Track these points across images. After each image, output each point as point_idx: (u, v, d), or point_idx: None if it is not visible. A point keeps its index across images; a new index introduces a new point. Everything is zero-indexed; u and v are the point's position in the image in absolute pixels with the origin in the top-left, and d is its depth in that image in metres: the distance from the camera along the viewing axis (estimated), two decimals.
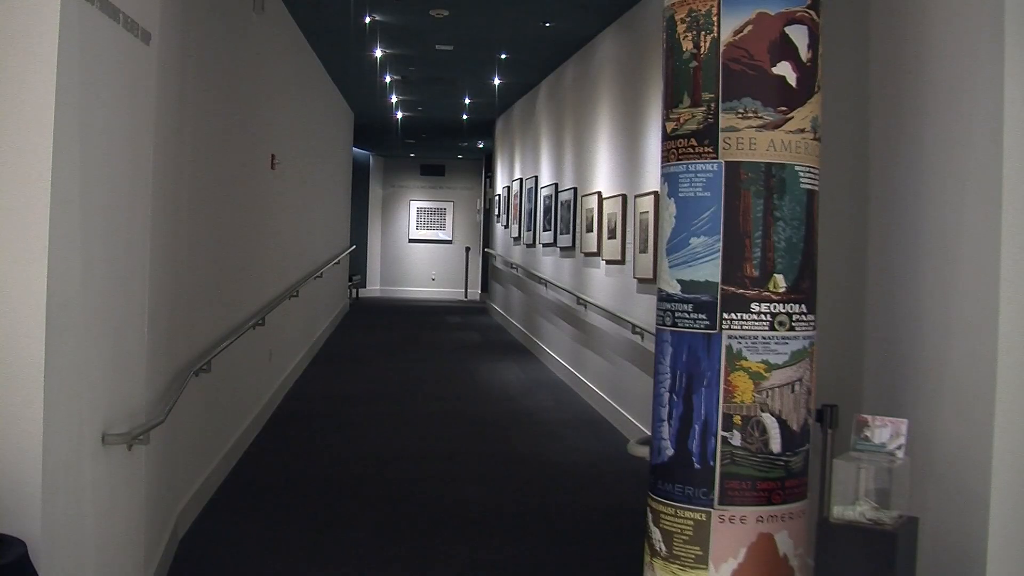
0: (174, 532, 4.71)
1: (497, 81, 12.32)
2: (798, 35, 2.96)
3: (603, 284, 8.75)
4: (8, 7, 2.68)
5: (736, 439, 2.94)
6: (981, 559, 2.88)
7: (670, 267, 3.06)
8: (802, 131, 2.98)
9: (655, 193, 6.75)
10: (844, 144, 3.79)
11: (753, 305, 2.94)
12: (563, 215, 10.60)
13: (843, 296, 3.80)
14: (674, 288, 3.05)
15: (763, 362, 2.94)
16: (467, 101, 14.26)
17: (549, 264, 11.51)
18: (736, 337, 2.94)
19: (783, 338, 2.96)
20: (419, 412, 8.44)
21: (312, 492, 5.88)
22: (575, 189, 10.04)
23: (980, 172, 2.98)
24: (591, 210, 9.08)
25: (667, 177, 3.11)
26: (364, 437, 7.46)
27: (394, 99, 14.04)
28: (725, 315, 2.95)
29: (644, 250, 7.12)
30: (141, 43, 3.48)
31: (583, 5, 8.38)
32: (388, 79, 12.27)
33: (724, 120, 2.95)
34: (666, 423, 3.06)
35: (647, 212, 7.07)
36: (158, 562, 4.26)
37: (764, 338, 2.94)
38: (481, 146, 20.32)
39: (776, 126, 2.94)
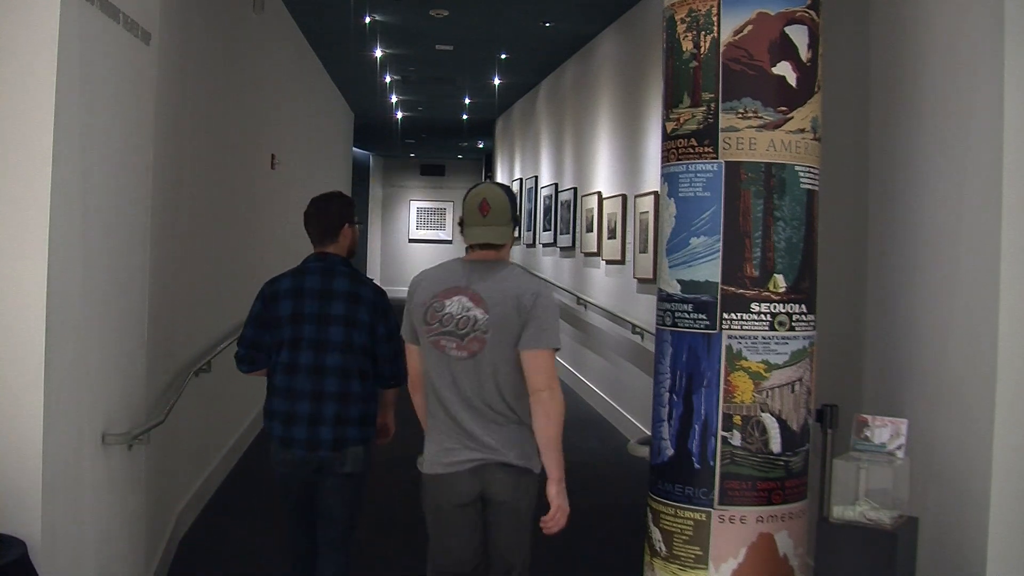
0: (174, 532, 4.71)
1: (497, 81, 12.32)
2: (798, 35, 2.96)
3: (603, 284, 8.75)
4: (8, 7, 2.68)
5: (736, 439, 2.93)
6: (981, 559, 2.88)
7: (670, 267, 3.06)
8: (802, 131, 2.98)
9: (655, 193, 6.75)
10: (844, 144, 3.79)
11: (753, 305, 2.94)
12: (563, 215, 10.60)
13: (843, 296, 3.80)
14: (674, 288, 3.05)
15: (763, 362, 2.94)
16: (467, 101, 14.25)
17: (549, 264, 11.51)
18: (736, 337, 2.94)
19: (783, 338, 2.96)
20: None
21: None
22: (575, 189, 10.04)
23: (980, 172, 2.98)
24: (591, 210, 9.08)
25: (667, 177, 3.11)
26: None
27: (394, 99, 14.04)
28: (725, 315, 2.94)
29: (644, 250, 7.12)
30: (141, 43, 3.48)
31: (583, 5, 8.38)
32: (388, 79, 12.27)
33: (724, 120, 2.95)
34: (666, 423, 3.05)
35: (647, 212, 7.07)
36: (158, 562, 4.27)
37: (764, 338, 2.94)
38: (481, 146, 20.32)
39: (776, 126, 2.94)
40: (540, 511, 3.09)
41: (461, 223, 3.15)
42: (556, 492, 3.04)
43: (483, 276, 3.05)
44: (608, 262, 8.50)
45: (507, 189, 3.14)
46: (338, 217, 3.59)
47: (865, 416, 2.95)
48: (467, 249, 3.17)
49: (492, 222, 3.05)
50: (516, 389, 3.02)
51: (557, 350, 3.03)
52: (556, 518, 3.06)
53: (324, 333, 3.46)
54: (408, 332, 3.20)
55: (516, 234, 3.06)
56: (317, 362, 3.45)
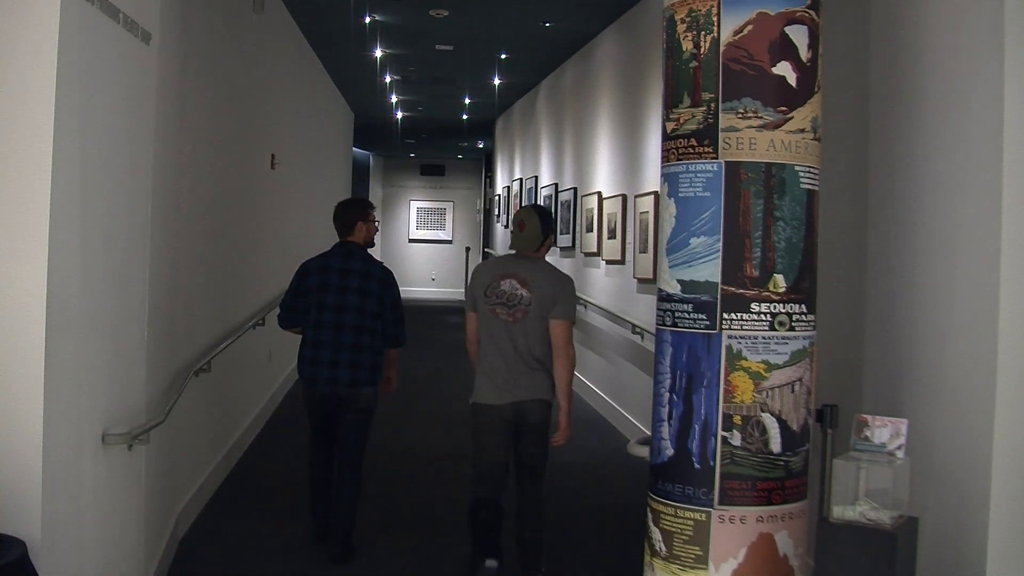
0: (174, 532, 4.71)
1: (497, 81, 12.32)
2: (798, 35, 2.96)
3: (603, 284, 8.75)
4: (8, 7, 2.68)
5: (736, 439, 2.93)
6: (981, 559, 2.88)
7: (670, 267, 3.06)
8: (802, 131, 2.98)
9: (655, 193, 6.75)
10: (844, 144, 3.79)
11: (753, 305, 2.94)
12: (563, 215, 10.60)
13: (843, 296, 3.80)
14: (674, 288, 3.05)
15: (763, 362, 2.94)
16: (467, 101, 14.25)
17: None
18: (736, 337, 2.94)
19: (783, 338, 2.96)
20: (419, 411, 8.43)
21: None
22: (575, 189, 10.04)
23: (980, 172, 2.98)
24: (591, 210, 9.08)
25: (667, 177, 3.11)
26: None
27: (394, 99, 14.04)
28: (725, 315, 2.94)
29: (644, 250, 7.12)
30: (141, 43, 3.48)
31: (583, 5, 8.38)
32: (388, 79, 12.27)
33: (724, 120, 2.94)
34: (666, 423, 3.06)
35: (647, 212, 7.07)
36: (158, 562, 4.26)
37: (764, 338, 2.94)
38: (481, 146, 20.32)
39: (776, 126, 2.94)
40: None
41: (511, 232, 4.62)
42: (564, 419, 4.39)
43: (526, 267, 4.41)
44: (608, 262, 8.50)
45: (542, 211, 4.56)
46: (352, 217, 4.87)
47: (865, 416, 2.95)
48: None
49: (525, 236, 4.46)
50: (542, 345, 4.31)
51: (573, 323, 4.38)
52: (561, 438, 4.41)
53: (343, 299, 4.66)
54: (469, 303, 4.52)
55: (552, 240, 4.58)
56: (337, 320, 4.64)
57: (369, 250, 4.94)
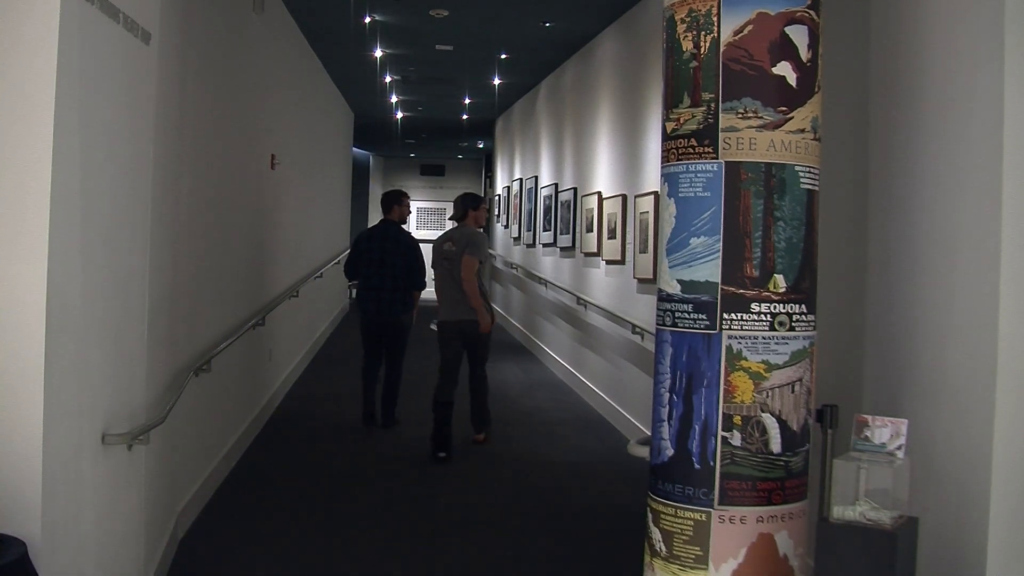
0: (174, 532, 4.71)
1: (497, 81, 12.32)
2: (798, 35, 2.96)
3: (603, 284, 8.75)
4: (8, 7, 2.68)
5: (736, 439, 2.94)
6: (981, 559, 2.88)
7: (670, 267, 3.06)
8: (802, 131, 2.98)
9: (655, 193, 6.75)
10: (844, 144, 3.79)
11: (753, 305, 2.94)
12: (563, 215, 10.60)
13: (843, 296, 3.80)
14: (674, 288, 3.05)
15: (763, 362, 2.94)
16: (467, 101, 14.25)
17: (549, 264, 11.51)
18: (736, 337, 2.94)
19: (783, 338, 2.96)
20: (418, 412, 8.41)
21: (312, 492, 5.88)
22: (575, 189, 10.04)
23: (980, 171, 2.98)
24: (591, 210, 9.08)
25: (667, 177, 3.11)
26: (364, 437, 7.46)
27: (394, 99, 14.04)
28: (725, 315, 2.95)
29: (644, 250, 7.12)
30: (141, 43, 3.48)
31: (583, 5, 8.38)
32: (388, 79, 12.27)
33: (724, 120, 2.95)
34: (666, 423, 3.06)
35: (647, 212, 7.07)
36: (158, 562, 4.26)
37: (764, 338, 2.94)
38: (481, 146, 20.32)
39: (776, 126, 2.94)
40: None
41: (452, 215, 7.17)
42: (480, 316, 6.88)
43: (455, 233, 7.00)
44: (608, 262, 8.50)
45: (465, 196, 7.24)
46: (391, 201, 7.64)
47: (865, 416, 2.95)
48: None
49: (456, 209, 7.11)
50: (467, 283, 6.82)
51: (480, 260, 6.88)
52: (483, 327, 6.88)
53: (384, 258, 7.42)
54: (432, 263, 7.04)
55: (475, 215, 7.08)
56: (380, 273, 7.42)
57: (403, 226, 7.57)
